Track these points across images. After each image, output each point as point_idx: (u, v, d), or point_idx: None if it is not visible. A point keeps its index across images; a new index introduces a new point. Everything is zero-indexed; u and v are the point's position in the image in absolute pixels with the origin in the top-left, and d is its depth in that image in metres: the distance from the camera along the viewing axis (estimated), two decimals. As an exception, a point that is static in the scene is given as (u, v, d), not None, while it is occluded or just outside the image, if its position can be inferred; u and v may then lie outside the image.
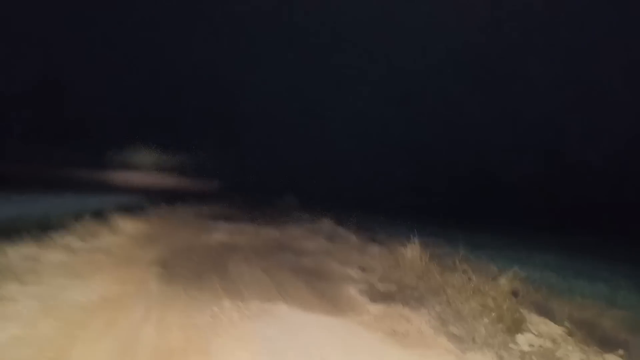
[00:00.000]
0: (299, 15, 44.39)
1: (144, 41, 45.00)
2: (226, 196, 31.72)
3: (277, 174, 39.81)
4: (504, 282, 6.69)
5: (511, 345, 5.16)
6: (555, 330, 5.68)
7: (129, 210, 14.14)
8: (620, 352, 5.21)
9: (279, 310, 5.72)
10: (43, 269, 6.31)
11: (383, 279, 7.83)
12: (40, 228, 8.36)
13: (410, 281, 7.40)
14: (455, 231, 19.53)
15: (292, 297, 6.41)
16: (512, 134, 39.87)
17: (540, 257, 11.67)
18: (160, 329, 4.71)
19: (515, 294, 6.53)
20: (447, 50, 42.41)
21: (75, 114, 43.53)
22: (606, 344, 5.39)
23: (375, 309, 6.19)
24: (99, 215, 11.43)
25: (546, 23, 39.43)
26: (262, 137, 43.81)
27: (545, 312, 6.32)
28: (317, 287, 7.14)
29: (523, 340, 5.28)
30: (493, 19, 41.16)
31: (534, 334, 5.47)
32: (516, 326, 5.49)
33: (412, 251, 7.81)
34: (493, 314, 5.71)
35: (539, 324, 5.86)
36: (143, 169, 42.54)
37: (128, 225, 10.98)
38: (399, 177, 39.00)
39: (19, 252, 6.75)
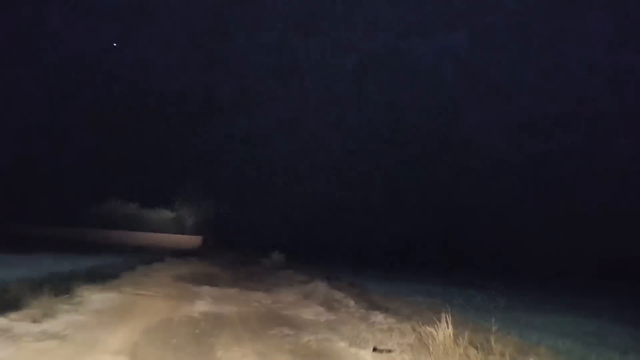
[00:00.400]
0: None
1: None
2: (209, 253, 29.88)
3: (261, 230, 38.16)
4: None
5: None
6: None
7: (99, 275, 12.47)
8: None
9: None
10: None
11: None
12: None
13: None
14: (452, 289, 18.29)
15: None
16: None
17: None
18: None
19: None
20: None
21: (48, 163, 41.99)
22: None
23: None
24: (63, 283, 9.79)
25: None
26: (244, 194, 42.40)
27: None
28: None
29: None
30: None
31: None
32: None
33: (442, 331, 6.30)
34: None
35: None
36: (120, 226, 40.53)
37: (95, 298, 9.34)
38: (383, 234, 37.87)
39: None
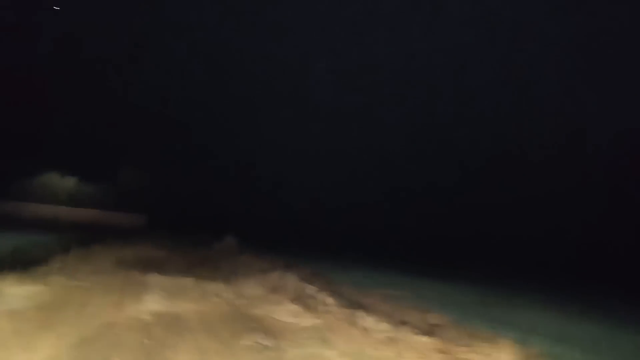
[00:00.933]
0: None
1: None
2: (154, 234, 27.38)
3: (211, 209, 35.84)
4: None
5: None
6: None
7: (23, 259, 10.21)
8: None
9: None
10: None
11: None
12: None
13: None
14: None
15: None
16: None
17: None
18: None
19: None
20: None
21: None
22: None
23: None
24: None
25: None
26: (192, 168, 39.66)
27: None
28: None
29: None
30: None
31: None
32: None
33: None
34: None
35: None
36: (57, 201, 36.89)
37: (12, 292, 7.21)
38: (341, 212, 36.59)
39: None
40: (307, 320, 7.60)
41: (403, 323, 7.72)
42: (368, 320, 7.70)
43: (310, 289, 10.33)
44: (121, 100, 39.41)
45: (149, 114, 39.02)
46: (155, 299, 8.24)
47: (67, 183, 38.98)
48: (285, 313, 8.08)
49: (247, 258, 17.21)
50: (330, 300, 9.41)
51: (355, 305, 9.40)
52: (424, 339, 6.43)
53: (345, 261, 22.71)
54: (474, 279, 20.12)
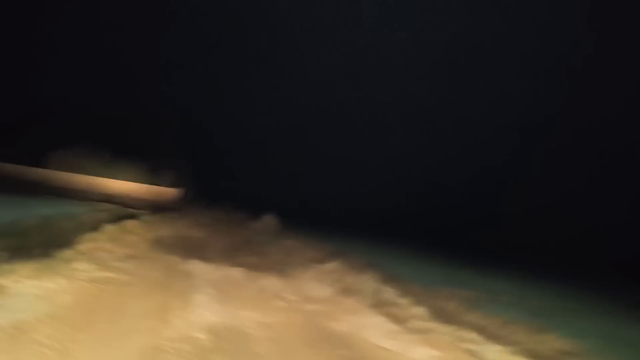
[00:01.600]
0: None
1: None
2: (188, 209, 25.79)
3: (246, 186, 34.05)
4: None
5: None
6: None
7: (49, 235, 8.43)
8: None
9: None
10: None
11: None
12: None
13: None
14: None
15: None
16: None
17: None
18: None
19: None
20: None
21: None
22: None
23: None
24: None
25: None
26: (229, 144, 37.88)
27: None
28: None
29: None
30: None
31: None
32: None
33: None
34: None
35: None
36: (90, 171, 35.62)
37: (24, 289, 5.28)
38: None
39: None
40: (416, 349, 5.47)
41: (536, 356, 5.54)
42: (492, 350, 5.54)
43: (389, 292, 8.22)
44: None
45: (186, 83, 37.32)
46: (206, 302, 6.23)
47: (103, 152, 37.63)
48: (379, 331, 5.97)
49: (293, 243, 15.19)
50: (419, 310, 7.28)
51: (445, 316, 7.28)
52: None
53: (391, 247, 20.57)
54: (538, 272, 17.77)
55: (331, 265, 10.83)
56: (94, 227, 11.59)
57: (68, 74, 35.76)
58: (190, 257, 9.94)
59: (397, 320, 6.66)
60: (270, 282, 8.44)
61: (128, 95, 38.01)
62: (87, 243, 8.97)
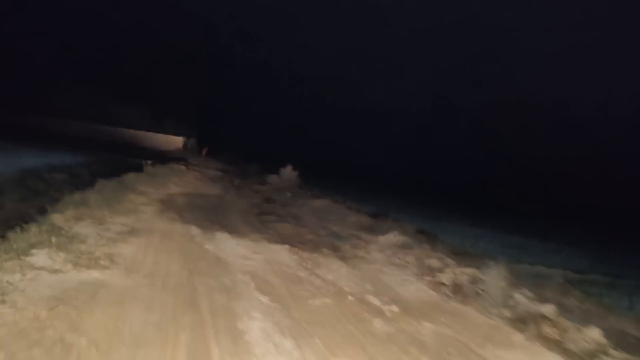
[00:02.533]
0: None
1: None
2: (196, 159, 22.87)
3: (257, 135, 30.96)
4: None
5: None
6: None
7: (32, 192, 5.64)
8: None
9: None
10: None
11: None
12: None
13: None
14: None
15: None
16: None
17: None
18: None
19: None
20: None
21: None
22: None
23: None
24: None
25: None
26: (237, 90, 34.37)
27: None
28: None
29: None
30: None
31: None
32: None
33: None
34: None
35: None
36: (90, 118, 32.32)
37: None
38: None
39: None
40: None
41: None
42: None
43: (521, 296, 5.39)
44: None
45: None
46: (272, 349, 3.41)
47: (102, 98, 34.10)
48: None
49: (324, 204, 12.37)
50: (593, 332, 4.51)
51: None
52: None
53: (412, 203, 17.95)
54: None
55: (393, 239, 8.05)
56: (87, 182, 8.76)
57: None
58: (213, 228, 7.14)
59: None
60: (336, 273, 5.66)
61: (130, 36, 34.26)
62: (71, 209, 6.09)
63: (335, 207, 11.88)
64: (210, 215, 8.47)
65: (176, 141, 30.47)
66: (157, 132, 31.35)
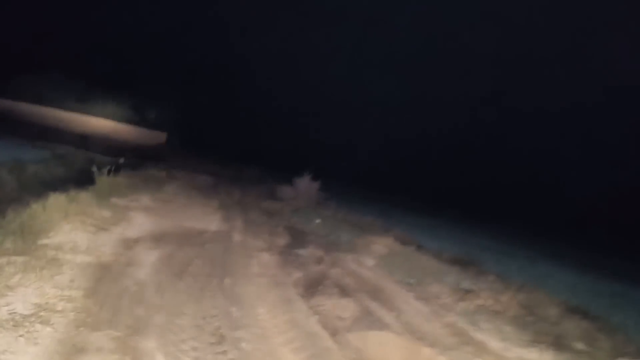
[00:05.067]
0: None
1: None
2: (180, 160, 17.21)
3: (246, 134, 25.44)
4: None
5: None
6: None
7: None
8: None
9: None
10: None
11: None
12: None
13: None
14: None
15: None
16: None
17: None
18: None
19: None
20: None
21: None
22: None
23: None
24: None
25: None
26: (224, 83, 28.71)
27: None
28: None
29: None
30: None
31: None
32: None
33: None
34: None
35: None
36: (60, 105, 25.90)
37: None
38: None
39: None
40: None
41: None
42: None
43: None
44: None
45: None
46: None
47: (79, 84, 27.54)
48: None
49: (392, 245, 7.22)
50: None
51: None
52: None
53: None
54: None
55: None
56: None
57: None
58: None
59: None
60: None
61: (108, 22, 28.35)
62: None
63: (416, 257, 6.71)
64: (207, 308, 3.22)
65: (158, 136, 24.37)
66: (138, 124, 25.14)
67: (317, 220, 9.26)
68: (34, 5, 26.38)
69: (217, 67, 27.96)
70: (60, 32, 26.85)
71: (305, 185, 12.35)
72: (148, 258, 4.24)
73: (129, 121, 24.88)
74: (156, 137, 23.92)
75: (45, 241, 3.75)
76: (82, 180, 7.45)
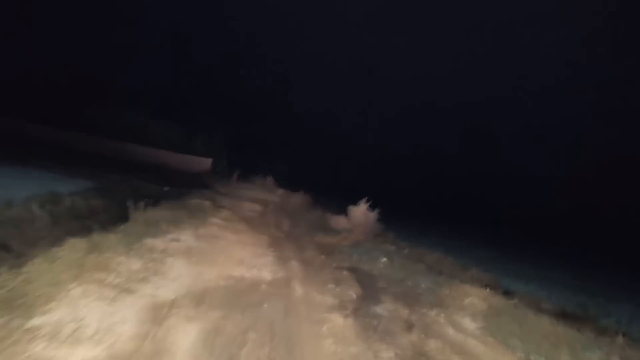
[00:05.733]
0: None
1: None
2: (223, 186, 16.24)
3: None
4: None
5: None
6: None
7: None
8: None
9: None
10: None
11: None
12: None
13: None
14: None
15: None
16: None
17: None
18: None
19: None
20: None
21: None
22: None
23: None
24: None
25: None
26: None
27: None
28: None
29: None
30: None
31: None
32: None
33: None
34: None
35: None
36: (117, 136, 25.92)
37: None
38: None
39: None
40: None
41: None
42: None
43: None
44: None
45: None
46: None
47: (136, 117, 27.42)
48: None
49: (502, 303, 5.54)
50: None
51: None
52: None
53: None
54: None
55: None
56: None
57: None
58: None
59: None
60: None
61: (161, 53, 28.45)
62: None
63: (525, 316, 5.03)
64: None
65: (204, 162, 23.70)
66: (184, 152, 24.67)
67: (383, 259, 7.74)
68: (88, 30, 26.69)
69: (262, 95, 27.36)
70: (114, 62, 27.06)
71: (362, 214, 10.85)
72: (185, 338, 2.90)
73: (176, 149, 24.39)
74: (203, 163, 23.26)
75: (37, 321, 2.49)
76: (121, 213, 6.43)
